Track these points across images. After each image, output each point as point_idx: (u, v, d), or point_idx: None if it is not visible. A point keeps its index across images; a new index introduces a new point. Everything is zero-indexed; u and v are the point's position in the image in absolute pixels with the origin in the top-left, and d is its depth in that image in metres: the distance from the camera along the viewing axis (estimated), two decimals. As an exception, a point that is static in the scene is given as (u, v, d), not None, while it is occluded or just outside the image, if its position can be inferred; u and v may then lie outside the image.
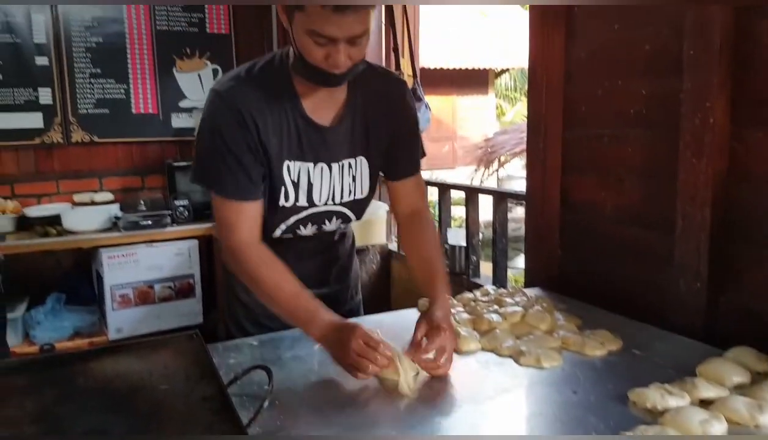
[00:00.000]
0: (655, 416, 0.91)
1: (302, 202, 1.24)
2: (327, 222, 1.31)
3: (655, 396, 0.95)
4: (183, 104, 3.47)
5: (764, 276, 1.20)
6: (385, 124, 1.27)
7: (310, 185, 1.23)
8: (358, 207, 1.33)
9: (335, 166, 1.24)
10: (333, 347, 1.06)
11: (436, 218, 3.17)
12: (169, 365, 1.07)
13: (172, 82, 3.42)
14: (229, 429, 0.82)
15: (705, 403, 0.94)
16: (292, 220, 1.26)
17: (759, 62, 1.18)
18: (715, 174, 1.24)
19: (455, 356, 1.17)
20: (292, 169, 1.21)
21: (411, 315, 1.40)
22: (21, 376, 1.03)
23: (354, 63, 1.07)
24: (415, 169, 1.36)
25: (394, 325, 1.36)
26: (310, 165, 1.22)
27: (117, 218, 3.06)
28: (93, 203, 3.13)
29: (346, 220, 1.35)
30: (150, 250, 3.03)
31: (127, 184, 3.42)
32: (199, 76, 3.49)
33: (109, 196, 3.22)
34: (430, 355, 1.06)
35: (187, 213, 3.16)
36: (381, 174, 1.35)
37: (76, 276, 3.27)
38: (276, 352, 1.19)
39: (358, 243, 3.18)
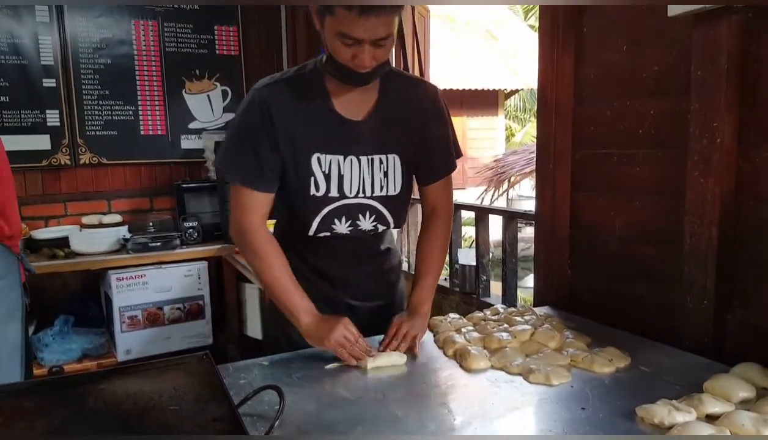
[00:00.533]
0: (662, 432, 0.91)
1: (333, 192, 1.30)
2: (361, 217, 1.34)
3: (662, 411, 0.95)
4: (192, 125, 3.52)
5: (769, 293, 1.20)
6: (418, 125, 1.34)
7: (340, 176, 1.29)
8: (393, 205, 1.36)
9: (364, 159, 1.30)
10: (318, 331, 1.24)
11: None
12: (179, 386, 1.07)
13: (182, 103, 3.47)
14: (240, 448, 0.83)
15: (711, 418, 0.94)
16: (325, 210, 1.31)
17: (766, 82, 1.20)
18: (722, 193, 1.25)
19: (466, 374, 1.18)
20: (323, 162, 1.28)
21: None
22: (31, 398, 1.04)
23: (379, 63, 1.18)
24: (447, 171, 1.42)
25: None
26: (341, 158, 1.29)
27: (125, 240, 3.08)
28: (101, 225, 3.16)
29: (382, 220, 1.37)
30: (159, 272, 3.04)
31: (136, 206, 3.45)
32: (208, 97, 3.54)
33: (118, 218, 3.25)
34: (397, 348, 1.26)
35: (196, 234, 3.19)
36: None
37: (84, 299, 3.29)
38: (287, 372, 1.19)
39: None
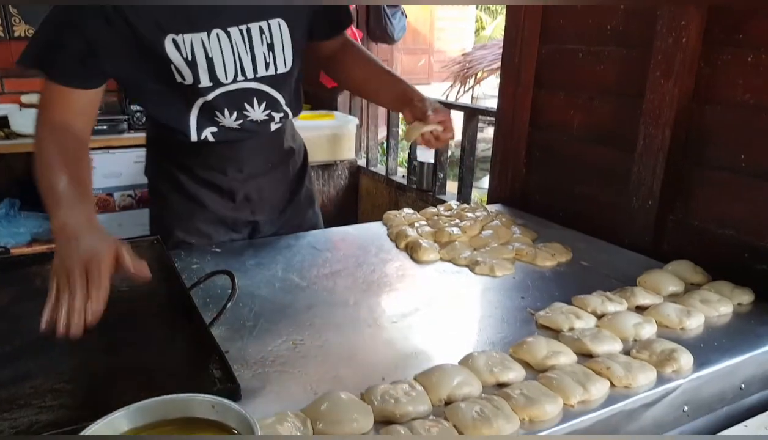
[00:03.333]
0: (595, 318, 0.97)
1: (204, 81, 1.06)
2: (248, 107, 1.14)
3: (596, 301, 1.01)
4: None
5: (711, 195, 1.26)
6: None
7: (209, 60, 1.04)
8: (283, 85, 1.15)
9: (235, 31, 1.04)
10: (71, 244, 0.81)
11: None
12: (130, 268, 1.07)
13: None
14: (191, 328, 0.85)
15: (641, 309, 1.02)
16: (200, 101, 1.09)
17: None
18: (680, 95, 1.26)
19: (416, 265, 1.22)
20: (181, 45, 1.01)
21: (375, 228, 1.44)
22: (-23, 277, 1.02)
23: None
24: (345, 22, 1.27)
25: (359, 237, 1.39)
26: (203, 35, 1.02)
27: (70, 122, 2.92)
28: (43, 105, 2.97)
29: (275, 106, 1.18)
30: (107, 157, 2.94)
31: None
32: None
33: (61, 98, 3.06)
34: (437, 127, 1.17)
35: (144, 118, 3.05)
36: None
37: (29, 182, 3.16)
38: (239, 259, 1.20)
39: (326, 158, 3.17)
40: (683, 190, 1.31)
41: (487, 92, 8.10)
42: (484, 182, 5.39)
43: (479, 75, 7.83)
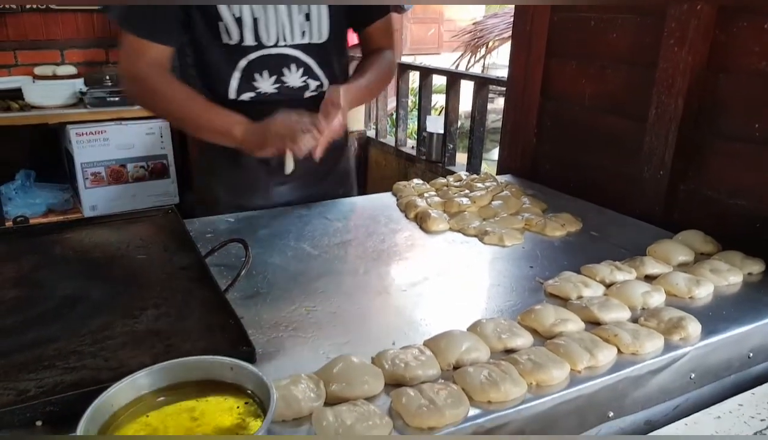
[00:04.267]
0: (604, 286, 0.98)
1: (249, 40, 1.17)
2: (286, 72, 1.23)
3: (605, 270, 1.02)
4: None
5: (723, 165, 1.25)
6: None
7: (255, 20, 1.16)
8: (321, 56, 1.24)
9: None
10: (256, 133, 1.11)
11: (416, 104, 3.12)
12: (145, 237, 1.10)
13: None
14: (207, 294, 0.87)
15: (650, 279, 1.02)
16: (243, 63, 1.19)
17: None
18: (694, 63, 1.24)
19: (425, 235, 1.23)
20: (234, 5, 1.14)
21: (385, 198, 1.45)
22: (-2, 245, 1.05)
23: None
24: (385, 10, 1.31)
25: (369, 208, 1.40)
26: None
27: (82, 93, 2.94)
28: (55, 76, 2.98)
29: (312, 74, 1.25)
30: (120, 128, 2.96)
31: (91, 58, 3.25)
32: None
33: (72, 70, 3.07)
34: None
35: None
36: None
37: (44, 154, 3.20)
38: (253, 228, 1.22)
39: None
40: (695, 160, 1.30)
41: (498, 62, 7.96)
42: (494, 154, 5.35)
43: (490, 44, 7.69)
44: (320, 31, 1.22)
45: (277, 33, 1.18)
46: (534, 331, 0.85)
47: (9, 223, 2.87)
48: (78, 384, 0.66)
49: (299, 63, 1.23)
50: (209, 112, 1.16)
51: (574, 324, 0.85)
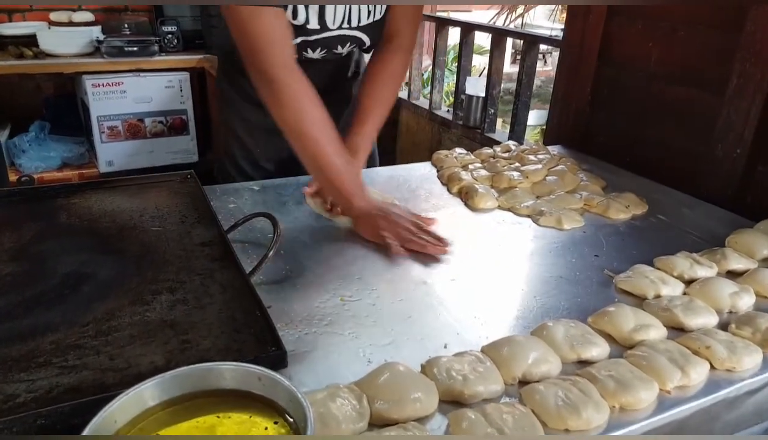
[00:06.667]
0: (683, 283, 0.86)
1: (314, 23, 1.09)
2: (339, 47, 1.18)
3: (683, 264, 0.89)
4: None
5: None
6: None
7: (321, 7, 1.08)
8: (375, 30, 1.17)
9: None
10: (371, 219, 0.96)
11: (455, 63, 2.91)
12: (161, 206, 0.98)
13: None
14: (229, 278, 0.76)
15: (733, 275, 0.90)
16: (299, 39, 1.10)
17: None
18: (787, 27, 1.07)
19: (471, 213, 1.10)
20: None
21: (423, 169, 1.31)
22: (-2, 208, 0.94)
23: None
24: None
25: (407, 178, 1.27)
26: None
27: (99, 42, 2.80)
28: (71, 23, 2.84)
29: (361, 45, 1.21)
30: (137, 80, 2.82)
31: (108, 4, 3.09)
32: None
33: (89, 16, 2.92)
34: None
35: (176, 41, 2.91)
36: None
37: (59, 105, 3.09)
38: (279, 198, 1.10)
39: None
40: (781, 140, 1.14)
41: (534, 22, 7.56)
42: (530, 118, 5.12)
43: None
44: (382, 7, 1.14)
45: (343, 17, 1.11)
46: (609, 337, 0.72)
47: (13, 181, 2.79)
48: (76, 388, 0.55)
49: (354, 40, 1.16)
50: (333, 167, 0.99)
51: (656, 332, 0.72)
